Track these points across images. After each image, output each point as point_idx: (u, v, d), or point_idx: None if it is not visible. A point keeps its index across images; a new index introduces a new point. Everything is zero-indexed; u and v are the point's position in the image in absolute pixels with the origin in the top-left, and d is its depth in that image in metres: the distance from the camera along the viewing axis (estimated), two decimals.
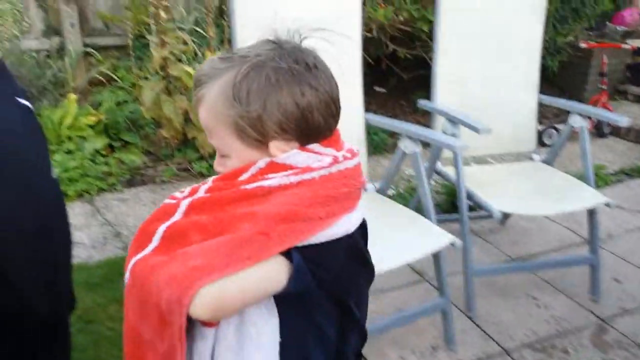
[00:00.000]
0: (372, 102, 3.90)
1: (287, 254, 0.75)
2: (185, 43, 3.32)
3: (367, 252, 0.88)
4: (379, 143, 3.46)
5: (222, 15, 3.10)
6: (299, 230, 0.75)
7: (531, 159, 2.45)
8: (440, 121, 2.18)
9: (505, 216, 2.65)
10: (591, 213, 2.15)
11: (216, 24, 3.07)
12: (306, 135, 0.79)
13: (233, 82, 0.76)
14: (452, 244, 1.74)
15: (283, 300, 0.78)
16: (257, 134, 0.77)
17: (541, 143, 3.55)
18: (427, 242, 1.77)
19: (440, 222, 1.89)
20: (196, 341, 0.81)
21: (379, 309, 2.11)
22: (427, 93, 2.31)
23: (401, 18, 3.28)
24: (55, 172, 1.00)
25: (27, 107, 1.06)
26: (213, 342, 0.81)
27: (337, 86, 0.82)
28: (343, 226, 0.79)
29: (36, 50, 3.75)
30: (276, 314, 0.79)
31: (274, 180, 0.77)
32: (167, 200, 0.84)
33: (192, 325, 0.79)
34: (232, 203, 0.78)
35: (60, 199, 1.13)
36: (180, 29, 3.65)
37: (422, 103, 2.27)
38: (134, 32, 3.79)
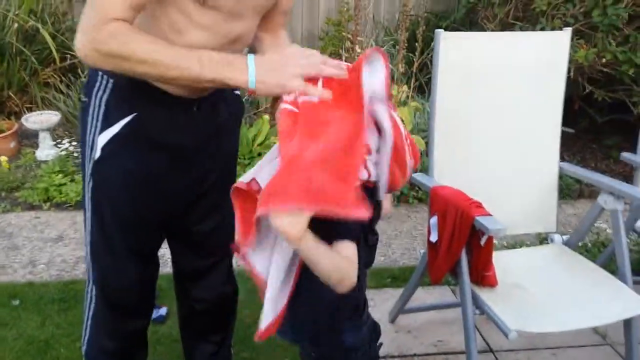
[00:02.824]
0: None
1: None
2: None
3: None
4: (563, 188, 3.27)
5: (413, 51, 3.18)
6: None
7: None
8: None
9: None
10: None
11: (405, 60, 3.16)
12: None
13: None
14: None
15: None
16: None
17: None
18: (620, 307, 1.64)
19: (634, 284, 1.74)
20: None
21: None
22: (623, 139, 2.14)
23: (604, 60, 3.08)
24: None
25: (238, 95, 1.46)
26: None
27: None
28: None
29: None
30: None
31: None
32: None
33: None
34: None
35: None
36: None
37: (627, 156, 2.11)
38: None
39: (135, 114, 1.23)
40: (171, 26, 1.14)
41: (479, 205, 1.59)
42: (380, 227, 3.19)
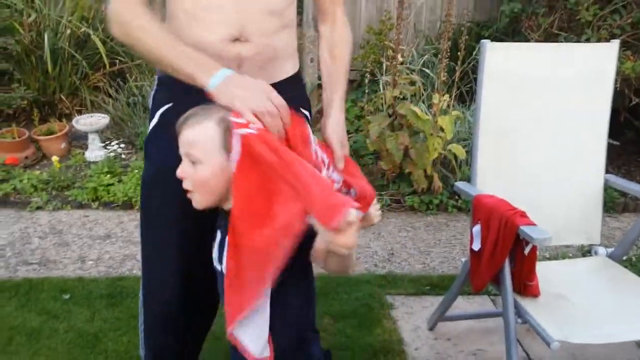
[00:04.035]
0: None
1: None
2: (413, 84, 3.47)
3: None
4: (607, 201, 3.21)
5: (455, 60, 3.18)
6: None
7: None
8: None
9: None
10: None
11: (447, 69, 3.16)
12: None
13: None
14: None
15: None
16: None
17: None
18: None
19: None
20: None
21: None
22: None
23: None
24: None
25: (307, 115, 1.40)
26: None
27: None
28: None
29: None
30: None
31: None
32: None
33: None
34: None
35: None
36: (410, 69, 3.83)
37: None
38: (366, 69, 4.08)
39: (170, 104, 1.27)
40: None
41: (523, 215, 1.59)
42: (419, 235, 3.20)
